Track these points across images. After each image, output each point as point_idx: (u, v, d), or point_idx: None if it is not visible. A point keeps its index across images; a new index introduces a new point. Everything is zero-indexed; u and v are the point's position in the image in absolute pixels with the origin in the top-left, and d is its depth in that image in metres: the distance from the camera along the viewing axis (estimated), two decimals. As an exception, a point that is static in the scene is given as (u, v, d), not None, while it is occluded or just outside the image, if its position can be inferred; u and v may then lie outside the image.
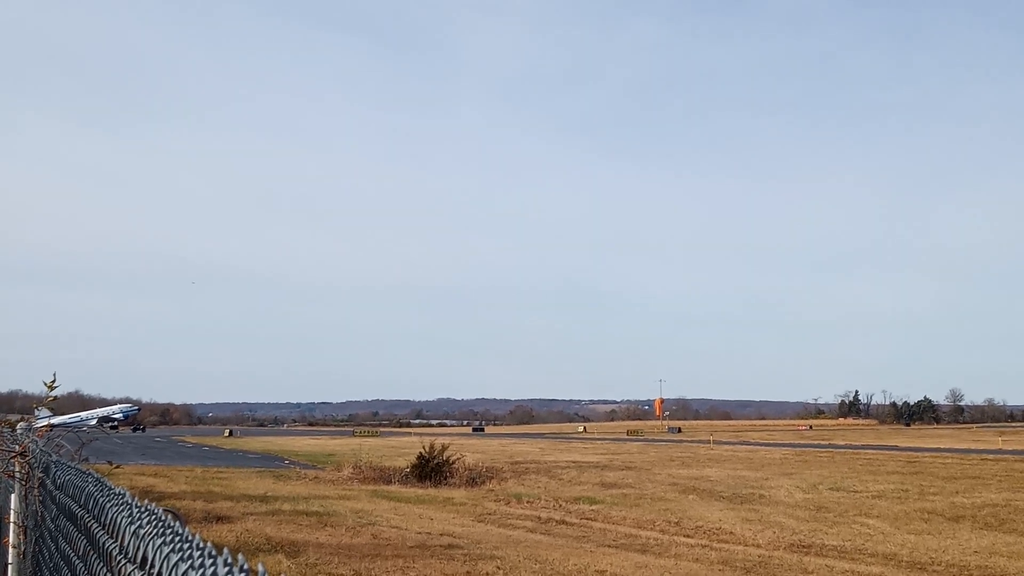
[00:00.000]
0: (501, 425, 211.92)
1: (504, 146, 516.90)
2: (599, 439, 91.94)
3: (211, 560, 1.36)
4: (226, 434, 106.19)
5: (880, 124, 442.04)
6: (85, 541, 2.57)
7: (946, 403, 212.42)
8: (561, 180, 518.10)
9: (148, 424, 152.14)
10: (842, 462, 43.72)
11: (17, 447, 4.97)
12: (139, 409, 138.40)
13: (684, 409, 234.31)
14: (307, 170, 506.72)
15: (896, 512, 22.58)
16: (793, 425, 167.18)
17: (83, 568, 2.56)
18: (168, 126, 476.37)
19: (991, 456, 48.51)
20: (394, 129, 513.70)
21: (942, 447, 62.22)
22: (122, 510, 2.10)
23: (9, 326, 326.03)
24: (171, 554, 1.50)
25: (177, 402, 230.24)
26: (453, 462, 32.47)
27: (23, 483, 4.74)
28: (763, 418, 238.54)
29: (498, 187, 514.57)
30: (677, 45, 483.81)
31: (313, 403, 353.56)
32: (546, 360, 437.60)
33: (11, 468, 4.94)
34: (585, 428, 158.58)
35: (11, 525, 4.82)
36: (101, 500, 2.40)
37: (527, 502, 25.06)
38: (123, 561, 1.89)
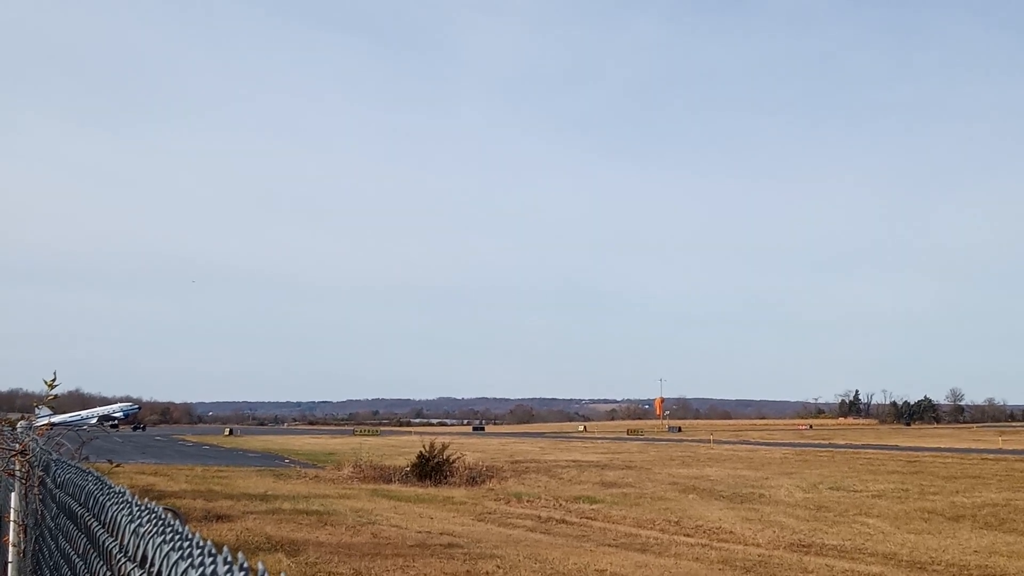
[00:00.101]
0: (501, 424, 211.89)
1: (504, 146, 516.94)
2: (599, 438, 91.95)
3: (211, 559, 1.35)
4: (226, 433, 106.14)
5: (880, 124, 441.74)
6: (85, 539, 2.57)
7: (946, 403, 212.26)
8: (561, 180, 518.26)
9: (148, 423, 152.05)
10: (842, 462, 43.73)
11: (17, 445, 4.97)
12: (139, 408, 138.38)
13: (684, 408, 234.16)
14: (307, 170, 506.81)
15: (896, 512, 22.59)
16: (793, 425, 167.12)
17: (83, 566, 2.56)
18: (168, 126, 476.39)
19: (991, 456, 48.52)
20: (394, 129, 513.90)
21: (942, 447, 62.24)
22: (122, 508, 2.10)
23: (9, 326, 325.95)
24: (171, 552, 1.50)
25: (177, 401, 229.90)
26: (453, 461, 32.47)
27: (23, 481, 4.74)
28: (763, 417, 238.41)
29: (498, 187, 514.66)
30: (677, 45, 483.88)
31: (313, 402, 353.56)
32: (546, 360, 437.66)
33: (11, 466, 4.94)
34: (585, 427, 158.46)
35: (11, 523, 4.82)
36: (101, 498, 2.40)
37: (527, 501, 25.06)
38: (123, 559, 1.89)
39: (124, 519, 1.99)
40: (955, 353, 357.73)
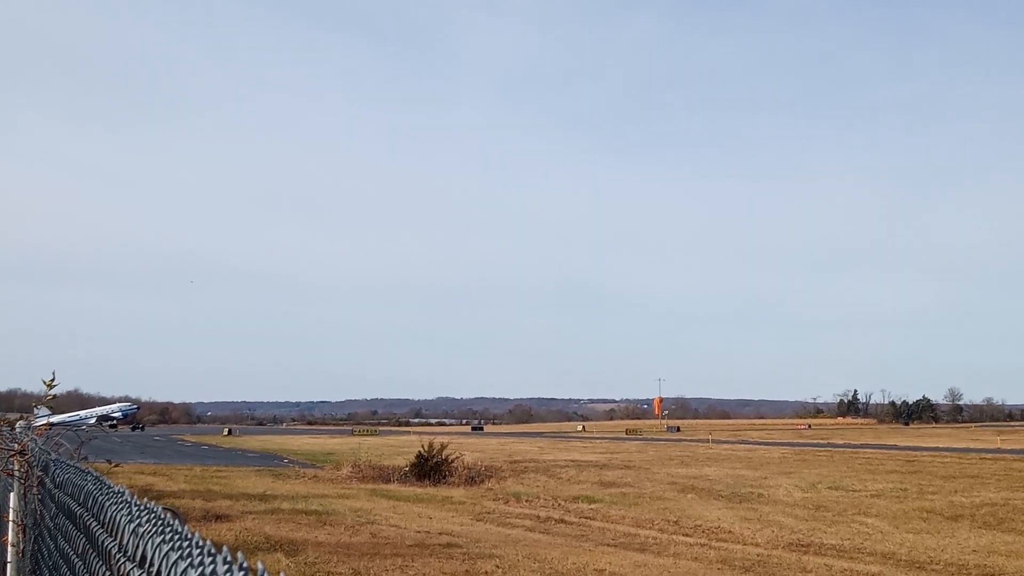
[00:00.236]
0: (500, 424, 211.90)
1: (504, 145, 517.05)
2: (598, 438, 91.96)
3: (210, 558, 1.36)
4: (225, 433, 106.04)
5: (880, 123, 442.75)
6: (84, 539, 2.57)
7: (945, 402, 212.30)
8: (561, 180, 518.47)
9: (147, 423, 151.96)
10: (841, 461, 43.75)
11: (16, 445, 4.97)
12: (138, 408, 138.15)
13: (683, 408, 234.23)
14: (307, 170, 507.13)
15: (895, 511, 22.60)
16: (792, 424, 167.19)
17: (82, 566, 2.56)
18: (168, 126, 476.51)
19: (990, 455, 48.56)
20: (394, 129, 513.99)
21: (941, 446, 62.29)
22: (121, 508, 2.10)
23: (9, 325, 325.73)
24: (170, 552, 1.50)
25: (176, 401, 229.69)
26: (452, 461, 32.46)
27: (22, 481, 4.74)
28: (762, 417, 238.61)
29: (498, 187, 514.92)
30: (677, 44, 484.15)
31: (312, 402, 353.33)
32: (545, 359, 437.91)
33: (10, 466, 4.94)
34: (584, 427, 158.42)
35: (10, 523, 4.82)
36: (100, 498, 2.40)
37: (526, 501, 25.06)
38: (122, 559, 1.89)
39: (123, 519, 1.99)
40: (954, 353, 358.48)
